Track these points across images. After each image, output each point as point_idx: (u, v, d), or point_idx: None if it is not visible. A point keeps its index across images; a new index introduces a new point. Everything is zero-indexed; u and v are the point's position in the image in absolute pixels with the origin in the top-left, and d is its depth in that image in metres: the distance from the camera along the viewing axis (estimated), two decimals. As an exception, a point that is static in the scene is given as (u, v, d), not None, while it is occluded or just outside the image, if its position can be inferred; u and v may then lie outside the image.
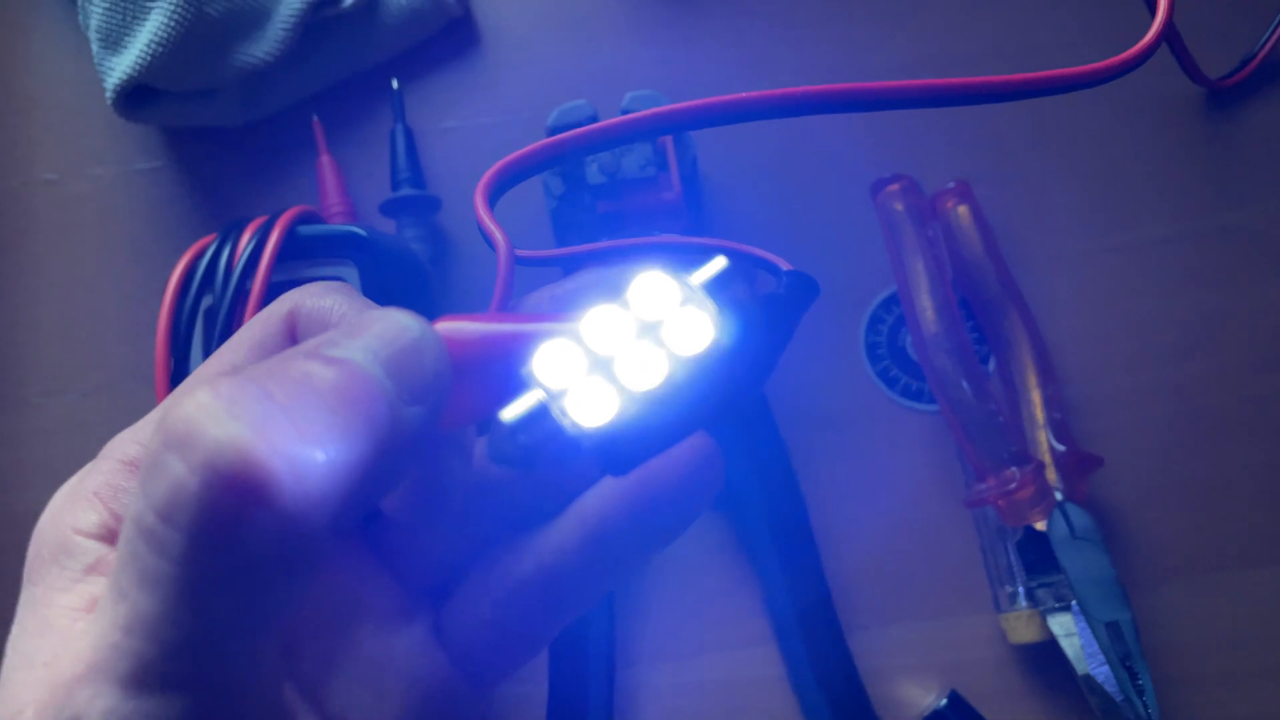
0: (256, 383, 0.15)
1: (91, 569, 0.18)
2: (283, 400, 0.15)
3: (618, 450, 0.17)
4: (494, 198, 0.21)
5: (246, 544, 0.14)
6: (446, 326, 0.18)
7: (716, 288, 0.17)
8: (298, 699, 0.19)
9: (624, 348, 0.17)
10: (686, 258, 0.21)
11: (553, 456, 0.17)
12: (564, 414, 0.17)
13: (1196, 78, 0.45)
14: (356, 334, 0.17)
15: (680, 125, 0.21)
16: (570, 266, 0.22)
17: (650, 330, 0.17)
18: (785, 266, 0.20)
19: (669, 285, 0.17)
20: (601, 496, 0.20)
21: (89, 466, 0.20)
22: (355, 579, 0.20)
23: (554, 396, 0.17)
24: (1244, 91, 0.47)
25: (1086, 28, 0.47)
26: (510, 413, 0.17)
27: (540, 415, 0.17)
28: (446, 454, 0.19)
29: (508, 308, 0.21)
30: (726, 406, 0.19)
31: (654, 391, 0.16)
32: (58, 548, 0.19)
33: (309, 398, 0.15)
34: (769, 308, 0.19)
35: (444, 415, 0.17)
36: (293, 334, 0.20)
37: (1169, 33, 0.23)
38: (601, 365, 0.17)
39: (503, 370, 0.18)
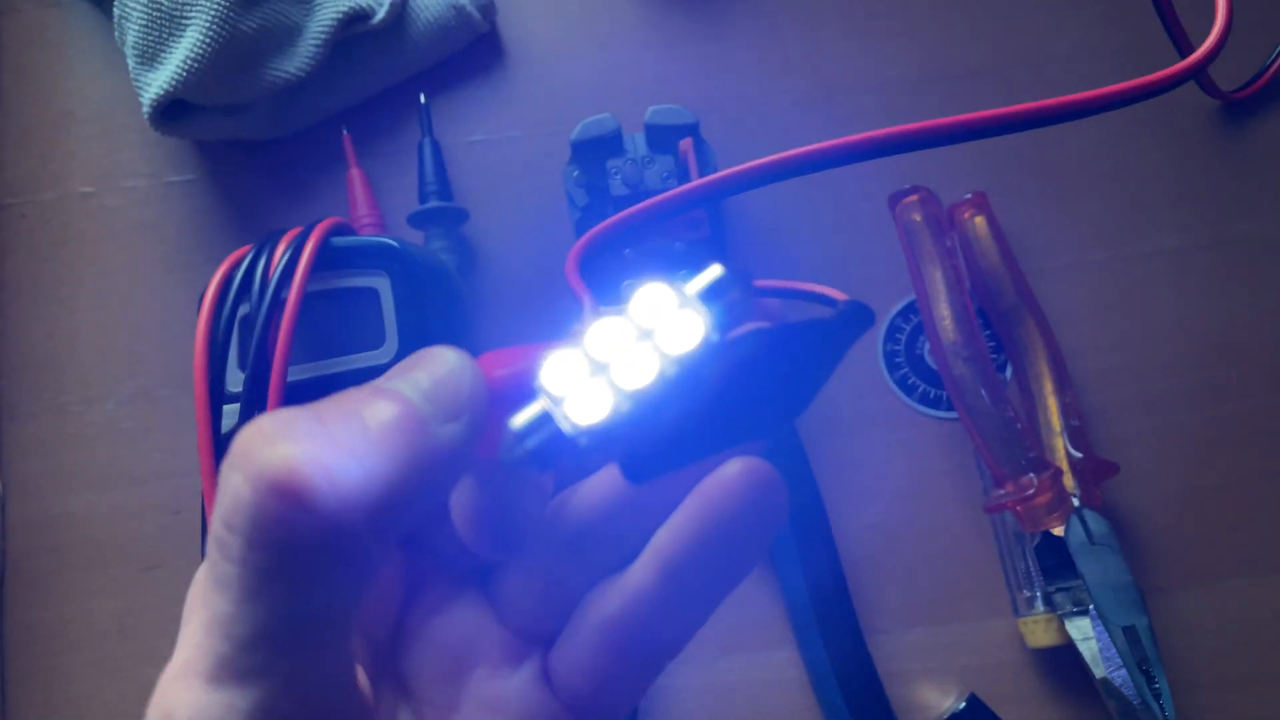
0: (311, 411, 0.17)
1: None
2: (329, 424, 0.17)
3: (636, 459, 0.18)
4: (585, 264, 0.23)
5: (290, 543, 0.16)
6: (487, 358, 0.19)
7: (711, 294, 0.18)
8: None
9: (621, 352, 0.18)
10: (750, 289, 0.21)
11: (557, 457, 0.18)
12: (565, 417, 0.18)
13: (1211, 90, 0.46)
14: (406, 371, 0.19)
15: (759, 180, 0.22)
16: None
17: (647, 336, 0.18)
18: (841, 298, 0.21)
19: (666, 293, 0.18)
20: (670, 534, 0.20)
21: None
22: (469, 628, 0.21)
23: (556, 402, 0.18)
24: (1257, 104, 0.48)
25: (1098, 38, 0.48)
26: (518, 419, 0.18)
27: (544, 420, 0.18)
28: (528, 500, 0.20)
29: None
30: (761, 426, 0.19)
31: (646, 389, 0.17)
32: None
33: (352, 421, 0.17)
34: (816, 333, 0.20)
35: (484, 436, 0.18)
36: None
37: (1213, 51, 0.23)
38: (600, 370, 0.18)
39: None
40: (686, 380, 0.18)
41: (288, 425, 0.17)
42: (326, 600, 0.17)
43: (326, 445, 0.16)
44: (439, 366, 0.18)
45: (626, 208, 0.45)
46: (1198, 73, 0.19)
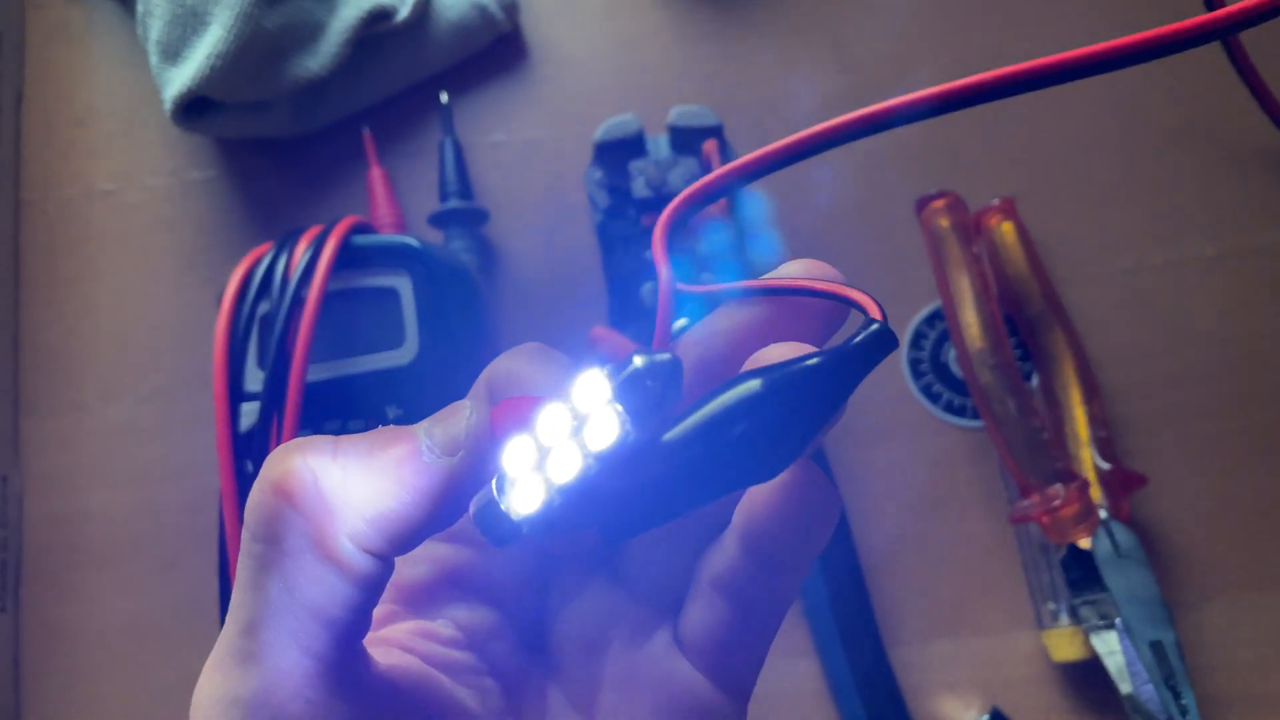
0: (331, 440, 0.20)
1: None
2: (340, 448, 0.19)
3: (610, 524, 0.19)
4: (672, 236, 0.22)
5: (283, 539, 0.18)
6: (511, 403, 0.20)
7: (629, 387, 0.18)
8: (573, 714, 0.23)
9: (558, 444, 0.18)
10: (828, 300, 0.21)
11: (508, 539, 0.19)
12: (501, 498, 0.19)
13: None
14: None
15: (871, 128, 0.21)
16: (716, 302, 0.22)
17: (579, 425, 0.18)
18: (876, 316, 0.19)
19: (599, 384, 0.18)
20: (741, 512, 0.21)
21: None
22: (603, 607, 0.23)
23: (504, 486, 0.19)
24: None
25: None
26: (475, 500, 0.19)
27: (491, 502, 0.19)
28: None
29: (666, 339, 0.21)
30: (752, 474, 0.19)
31: (570, 484, 0.18)
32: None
33: (360, 445, 0.19)
34: (835, 359, 0.19)
35: (481, 468, 0.20)
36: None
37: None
38: (543, 458, 0.19)
39: None
40: (615, 473, 0.18)
41: (305, 448, 0.19)
42: (315, 595, 0.18)
43: (324, 455, 0.19)
44: (449, 410, 0.20)
45: (649, 209, 0.45)
46: (1224, 31, 0.18)
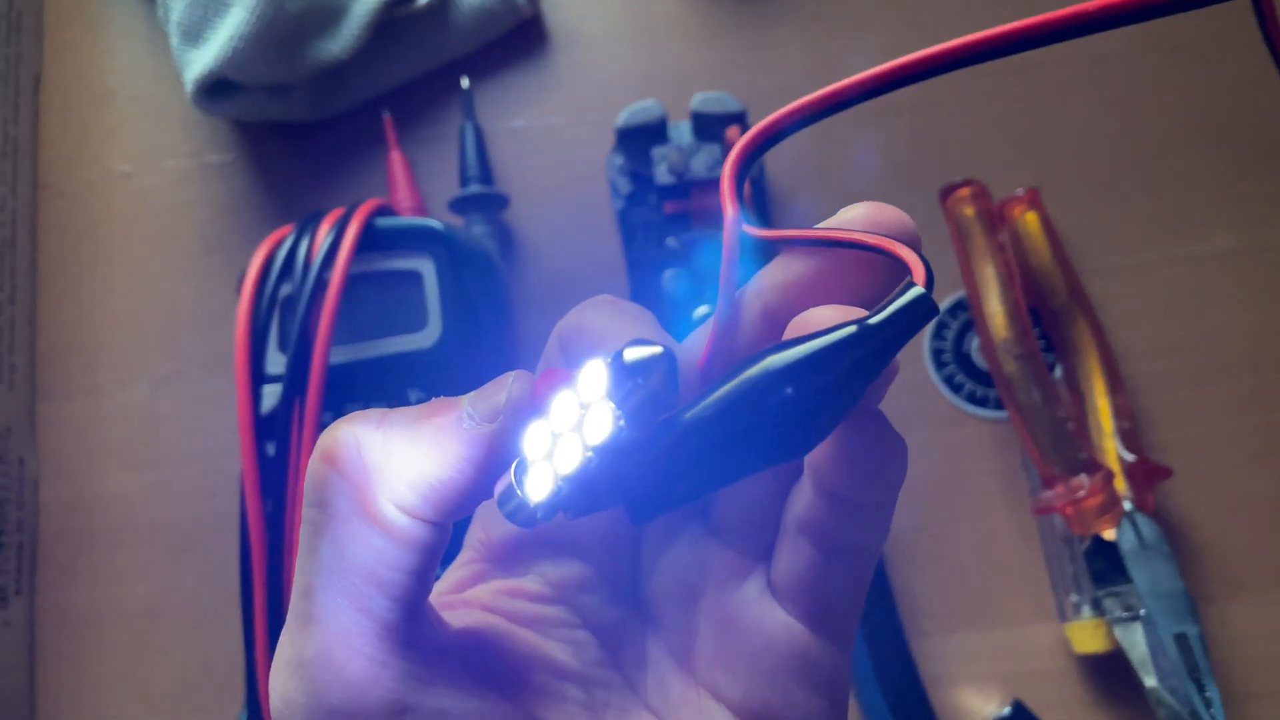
0: (381, 412, 0.20)
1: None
2: (387, 418, 0.20)
3: (637, 503, 0.19)
4: (743, 172, 0.21)
5: (331, 502, 0.19)
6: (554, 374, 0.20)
7: (628, 376, 0.18)
8: (672, 664, 0.23)
9: (565, 431, 0.19)
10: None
11: (528, 522, 0.19)
12: (520, 484, 0.19)
13: None
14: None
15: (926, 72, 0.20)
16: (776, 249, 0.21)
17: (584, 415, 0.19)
18: (920, 280, 0.18)
19: (599, 375, 0.18)
20: (806, 479, 0.21)
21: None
22: (697, 555, 0.23)
23: (524, 470, 0.19)
24: None
25: (1153, 35, 0.47)
26: (499, 484, 0.19)
27: (510, 486, 0.19)
28: None
29: (732, 285, 0.21)
30: (781, 452, 0.18)
31: (572, 475, 0.18)
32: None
33: (408, 415, 0.20)
34: (866, 332, 0.17)
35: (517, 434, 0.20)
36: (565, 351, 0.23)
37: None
38: (554, 445, 0.19)
39: None
40: (615, 463, 0.18)
41: (355, 420, 0.20)
42: (364, 558, 0.19)
43: (370, 425, 0.19)
44: (497, 381, 0.20)
45: (671, 196, 0.44)
46: None
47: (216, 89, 0.44)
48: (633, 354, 0.18)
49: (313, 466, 0.19)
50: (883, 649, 0.41)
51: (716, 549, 0.23)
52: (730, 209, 0.20)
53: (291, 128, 0.48)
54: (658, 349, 0.18)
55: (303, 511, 0.20)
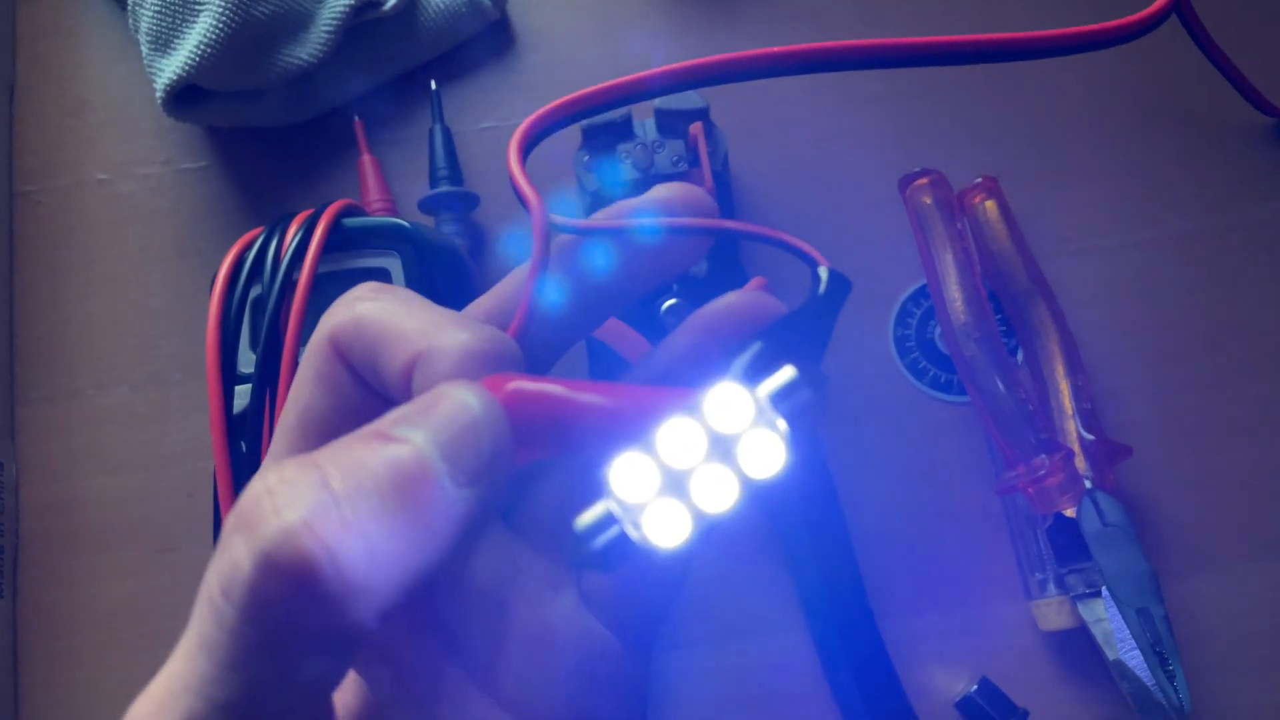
0: (318, 468, 0.17)
1: None
2: (338, 487, 0.16)
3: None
4: (527, 153, 0.21)
5: (284, 628, 0.16)
6: (516, 386, 0.19)
7: (783, 400, 0.17)
8: (471, 688, 0.20)
9: (697, 466, 0.17)
10: (723, 241, 0.22)
11: (625, 561, 0.18)
12: (637, 528, 0.17)
13: (1264, 108, 0.46)
14: (423, 412, 0.18)
15: (698, 80, 0.22)
16: (603, 235, 0.23)
17: (722, 446, 0.17)
18: (822, 263, 0.20)
19: (743, 401, 0.17)
20: None
21: None
22: (503, 561, 0.20)
23: (628, 509, 0.17)
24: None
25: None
26: (583, 519, 0.18)
27: (608, 522, 0.17)
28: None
29: (538, 282, 0.21)
30: None
31: (727, 512, 0.17)
32: None
33: (364, 484, 0.16)
34: (808, 314, 0.20)
35: (504, 488, 0.18)
36: (344, 357, 0.21)
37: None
38: (674, 482, 0.17)
39: (572, 428, 0.19)
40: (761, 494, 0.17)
41: (293, 488, 0.16)
42: (310, 677, 0.17)
43: (332, 519, 0.16)
44: (459, 414, 0.17)
45: (636, 192, 0.45)
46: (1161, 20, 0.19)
47: (187, 96, 0.45)
48: (781, 379, 0.17)
49: (255, 578, 0.16)
50: (852, 631, 0.42)
51: (526, 557, 0.20)
52: (532, 197, 0.21)
53: (263, 133, 0.48)
54: (793, 371, 0.18)
55: (223, 617, 0.16)
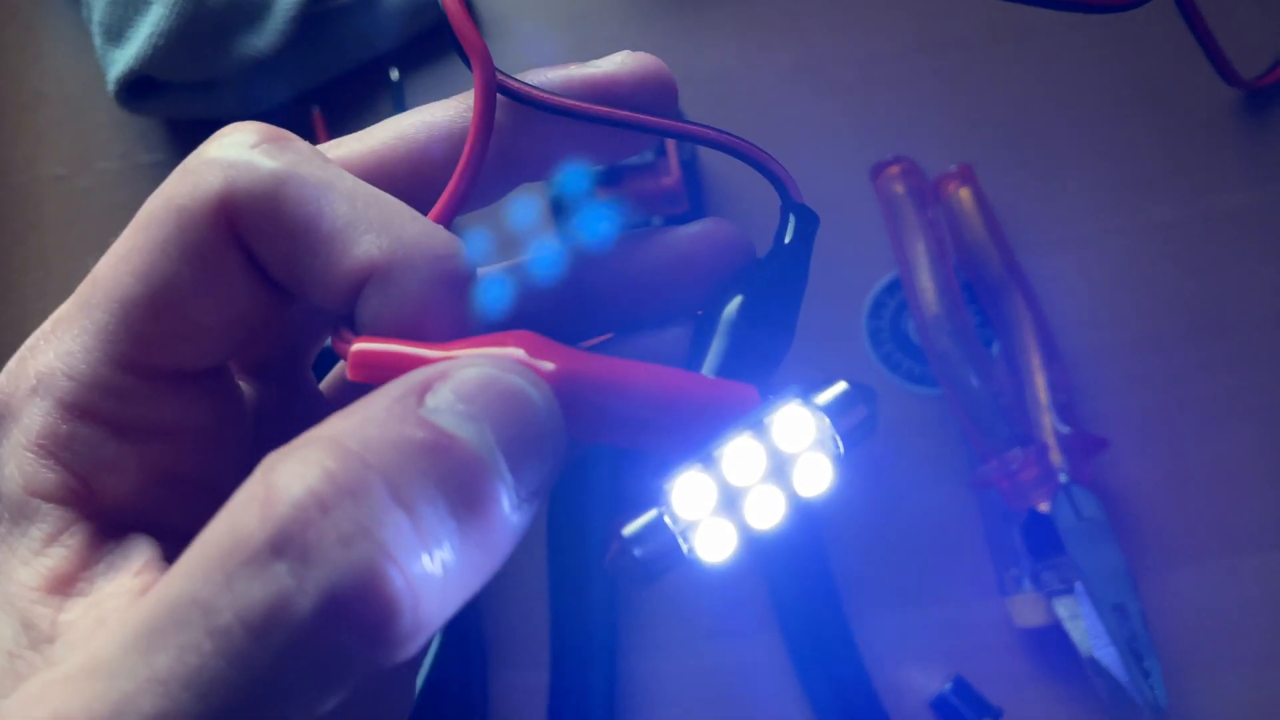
0: (372, 470, 0.13)
1: (51, 539, 0.16)
2: (407, 500, 0.13)
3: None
4: None
5: (343, 674, 0.13)
6: (566, 368, 0.16)
7: (843, 420, 0.17)
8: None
9: (754, 485, 0.17)
10: (684, 143, 0.21)
11: (668, 570, 0.17)
12: (687, 541, 0.17)
13: (1232, 79, 0.45)
14: (466, 395, 0.15)
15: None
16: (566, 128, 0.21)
17: (779, 465, 0.17)
18: (796, 195, 0.20)
19: (806, 423, 0.17)
20: None
21: (10, 394, 0.17)
22: None
23: (680, 525, 0.17)
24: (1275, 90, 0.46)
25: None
26: (631, 527, 0.17)
27: (656, 533, 0.17)
28: None
29: (476, 155, 0.18)
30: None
31: (770, 530, 0.17)
32: (16, 509, 0.16)
33: (434, 499, 0.13)
34: (782, 259, 0.20)
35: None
36: (237, 232, 0.17)
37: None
38: (729, 499, 0.17)
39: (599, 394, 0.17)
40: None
41: (359, 505, 0.13)
42: (328, 711, 0.14)
43: (415, 553, 0.13)
44: (522, 412, 0.15)
45: (603, 183, 0.44)
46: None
47: (142, 88, 0.44)
48: (838, 396, 0.18)
49: (331, 629, 0.13)
50: (824, 629, 0.41)
51: None
52: (476, 43, 0.19)
53: (221, 125, 0.47)
54: (845, 385, 0.18)
55: (258, 671, 0.13)
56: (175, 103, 0.45)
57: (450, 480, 0.14)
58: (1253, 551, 0.42)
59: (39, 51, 0.49)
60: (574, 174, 0.20)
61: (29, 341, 0.18)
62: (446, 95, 0.49)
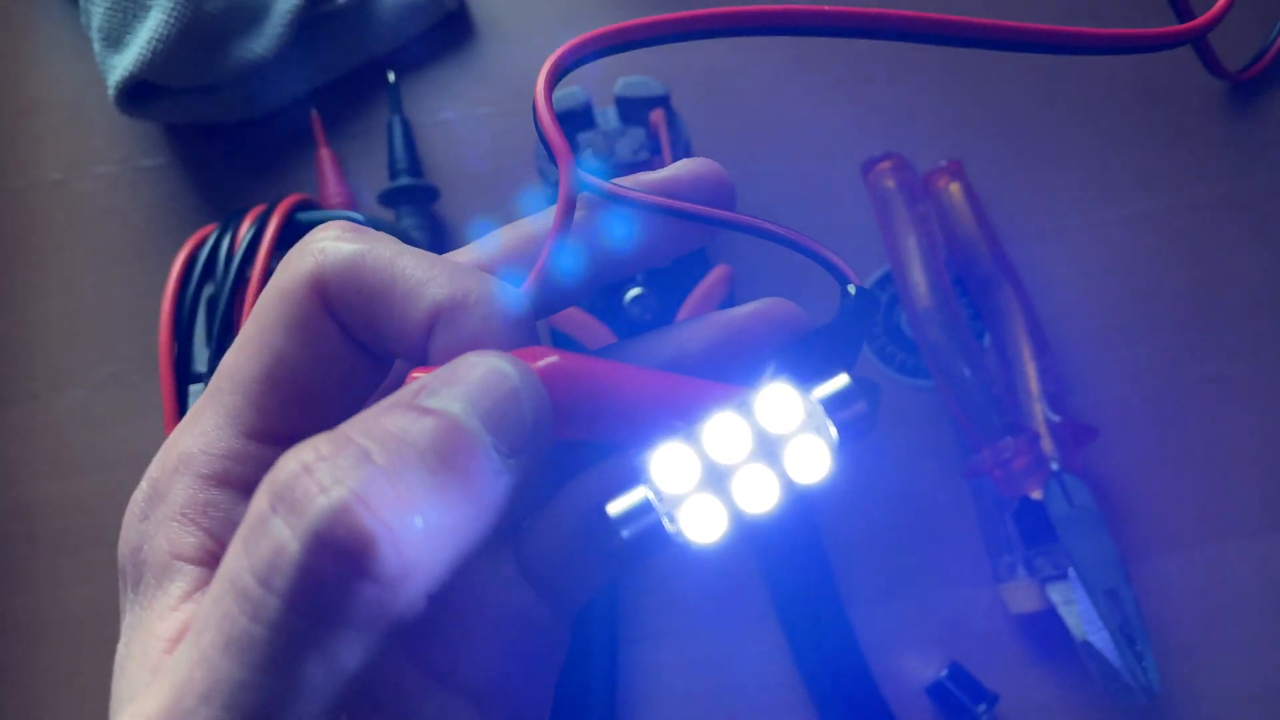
0: (354, 442, 0.15)
1: (187, 595, 0.18)
2: (382, 461, 0.15)
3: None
4: (551, 89, 0.20)
5: (344, 612, 0.14)
6: (554, 360, 0.18)
7: (837, 408, 0.17)
8: (404, 664, 0.19)
9: (741, 464, 0.17)
10: (760, 239, 0.21)
11: (655, 551, 0.17)
12: (673, 521, 0.17)
13: (1217, 71, 0.45)
14: (455, 382, 0.17)
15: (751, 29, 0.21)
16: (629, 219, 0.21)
17: (768, 447, 0.17)
18: (853, 280, 0.20)
19: (794, 404, 0.17)
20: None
21: (159, 478, 0.20)
22: None
23: (665, 500, 0.17)
24: (1262, 82, 0.47)
25: (1084, 3, 0.48)
26: (616, 506, 0.17)
27: (644, 510, 0.17)
28: None
29: (559, 241, 0.19)
30: None
31: (764, 514, 0.17)
32: (160, 571, 0.19)
33: (409, 457, 0.15)
34: (836, 330, 0.19)
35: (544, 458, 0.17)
36: (329, 304, 0.19)
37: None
38: (716, 477, 0.17)
39: (608, 402, 0.18)
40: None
41: (335, 465, 0.15)
42: (354, 671, 0.15)
43: (384, 492, 0.15)
44: (498, 383, 0.16)
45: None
46: (1194, 39, 0.18)
47: (141, 92, 0.44)
48: (835, 386, 0.17)
49: (306, 561, 0.14)
50: (821, 618, 0.42)
51: None
52: (562, 149, 0.19)
53: (220, 129, 0.48)
54: (847, 379, 0.18)
55: (264, 613, 0.14)
56: (175, 107, 0.45)
57: (424, 438, 0.16)
58: (1241, 536, 0.43)
59: (36, 57, 0.49)
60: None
61: (171, 435, 0.20)
62: (441, 97, 0.50)
